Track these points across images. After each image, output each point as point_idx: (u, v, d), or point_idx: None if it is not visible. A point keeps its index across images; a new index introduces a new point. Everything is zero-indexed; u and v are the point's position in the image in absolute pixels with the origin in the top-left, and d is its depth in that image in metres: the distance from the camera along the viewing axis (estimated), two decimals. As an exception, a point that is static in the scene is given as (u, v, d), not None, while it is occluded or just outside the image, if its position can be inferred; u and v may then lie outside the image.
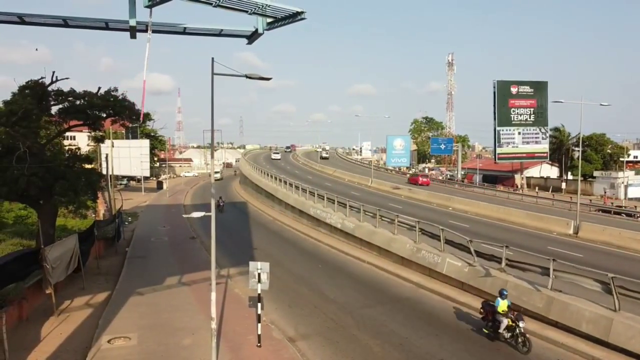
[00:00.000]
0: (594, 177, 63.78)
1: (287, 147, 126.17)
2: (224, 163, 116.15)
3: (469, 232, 27.11)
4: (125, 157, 59.32)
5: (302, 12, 7.64)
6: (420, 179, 55.69)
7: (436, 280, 18.47)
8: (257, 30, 8.73)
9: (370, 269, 21.45)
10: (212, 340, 11.37)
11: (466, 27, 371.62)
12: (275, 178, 42.40)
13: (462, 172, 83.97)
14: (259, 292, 12.70)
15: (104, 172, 62.50)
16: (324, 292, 18.03)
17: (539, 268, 14.59)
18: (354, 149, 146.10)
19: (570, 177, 69.93)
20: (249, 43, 9.64)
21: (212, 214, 11.46)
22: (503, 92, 63.39)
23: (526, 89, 64.59)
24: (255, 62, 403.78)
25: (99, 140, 23.85)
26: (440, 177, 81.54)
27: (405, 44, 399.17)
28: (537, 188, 66.20)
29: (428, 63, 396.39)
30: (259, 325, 12.76)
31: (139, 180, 70.28)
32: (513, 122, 64.36)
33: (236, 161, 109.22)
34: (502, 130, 64.02)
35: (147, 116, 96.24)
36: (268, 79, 11.71)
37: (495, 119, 63.86)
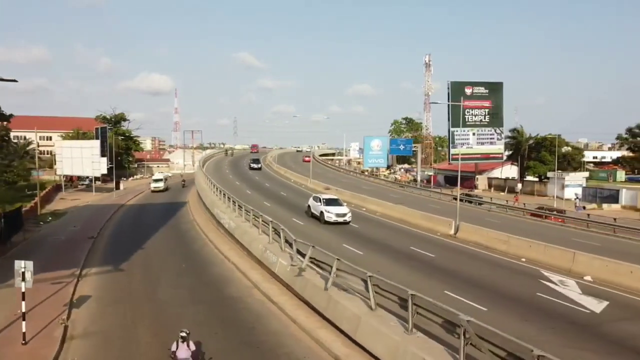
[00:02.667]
0: (548, 178, 63.84)
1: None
2: None
3: (356, 232, 27.38)
4: (78, 157, 59.92)
5: None
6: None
7: (274, 280, 18.58)
8: None
9: (231, 269, 21.52)
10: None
11: (459, 28, 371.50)
12: (206, 177, 42.50)
13: (430, 173, 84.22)
14: (23, 290, 12.85)
15: (59, 172, 63.70)
16: (157, 292, 18.13)
17: (330, 267, 14.73)
18: (350, 150, 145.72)
19: (528, 177, 70.02)
20: None
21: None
22: (457, 93, 63.45)
23: (481, 89, 64.70)
24: (252, 62, 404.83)
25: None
26: (405, 177, 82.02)
27: (405, 44, 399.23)
28: (491, 189, 66.40)
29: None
30: (24, 323, 12.91)
31: (103, 181, 70.58)
32: (467, 123, 64.47)
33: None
34: (457, 131, 64.11)
35: (122, 117, 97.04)
36: (14, 81, 11.88)
37: (449, 119, 64.04)
